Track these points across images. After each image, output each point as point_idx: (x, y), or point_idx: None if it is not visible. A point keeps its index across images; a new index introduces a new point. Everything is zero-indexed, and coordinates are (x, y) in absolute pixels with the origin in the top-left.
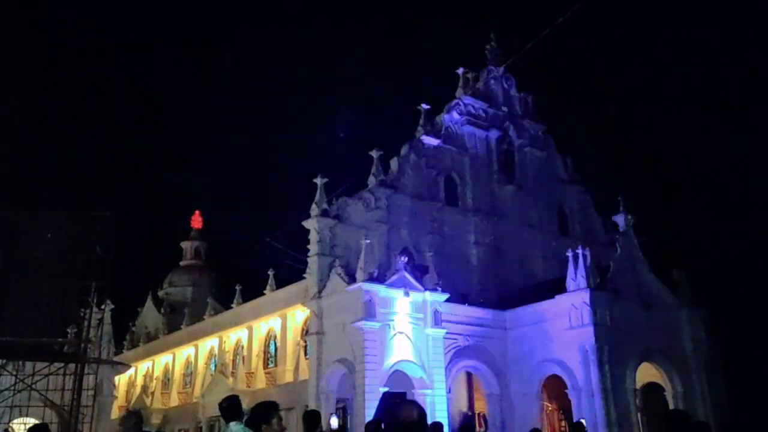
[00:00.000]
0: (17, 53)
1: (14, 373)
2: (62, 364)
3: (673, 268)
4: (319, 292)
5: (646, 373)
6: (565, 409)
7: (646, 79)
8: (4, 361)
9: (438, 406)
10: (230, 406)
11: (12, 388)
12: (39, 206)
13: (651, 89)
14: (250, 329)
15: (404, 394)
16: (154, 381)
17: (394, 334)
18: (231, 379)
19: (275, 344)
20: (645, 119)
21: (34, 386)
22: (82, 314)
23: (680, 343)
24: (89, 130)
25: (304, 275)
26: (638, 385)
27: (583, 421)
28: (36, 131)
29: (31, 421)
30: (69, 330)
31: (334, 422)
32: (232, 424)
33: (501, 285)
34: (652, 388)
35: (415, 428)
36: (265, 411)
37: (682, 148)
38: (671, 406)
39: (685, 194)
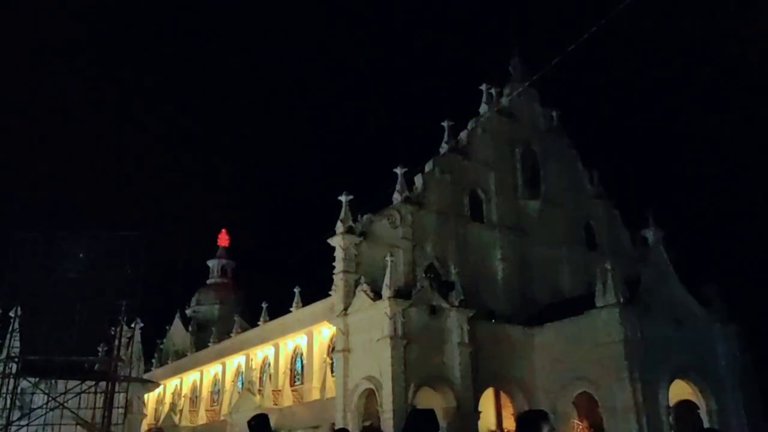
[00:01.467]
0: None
1: (47, 391)
2: (93, 383)
3: (704, 283)
4: (345, 309)
5: (680, 390)
6: (596, 427)
7: (674, 92)
8: (37, 379)
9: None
10: (258, 424)
11: (44, 406)
12: (70, 226)
13: (679, 102)
14: (277, 347)
15: (431, 411)
16: (182, 399)
17: (420, 351)
18: (258, 397)
19: (302, 361)
20: (674, 132)
21: (65, 404)
22: (112, 333)
23: (714, 359)
24: (118, 151)
25: (330, 292)
26: (671, 403)
27: None
28: (68, 152)
29: None
30: (100, 348)
31: None
32: None
33: (528, 301)
34: (686, 407)
35: None
36: None
37: (713, 161)
38: (705, 425)
39: (716, 208)
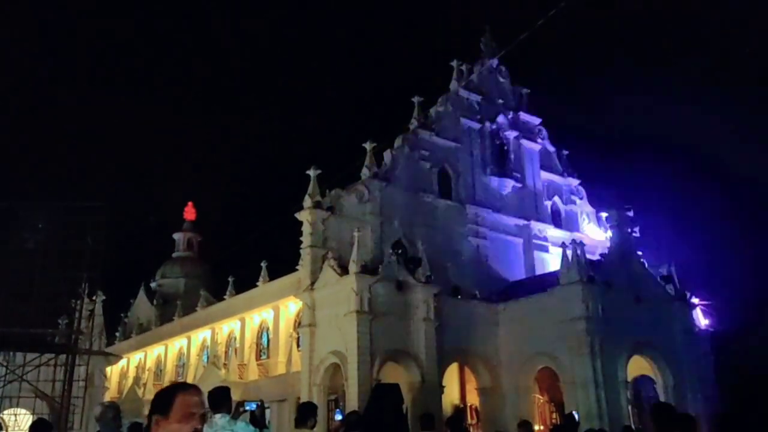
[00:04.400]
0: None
1: (5, 364)
2: (53, 355)
3: (664, 262)
4: (312, 284)
5: (638, 365)
6: (557, 401)
7: (645, 69)
8: None
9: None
10: (217, 397)
11: (2, 378)
12: (31, 196)
13: (649, 79)
14: (243, 321)
15: (397, 386)
16: (146, 372)
17: (386, 326)
18: (223, 371)
19: (268, 336)
20: (639, 111)
21: (24, 377)
22: (73, 305)
23: (671, 336)
24: (82, 120)
25: (297, 267)
26: (629, 378)
27: (574, 413)
28: (28, 121)
29: (22, 412)
30: (60, 321)
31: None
32: (218, 416)
33: (494, 278)
34: (643, 381)
35: (400, 419)
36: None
37: (673, 139)
38: (662, 399)
39: (679, 186)
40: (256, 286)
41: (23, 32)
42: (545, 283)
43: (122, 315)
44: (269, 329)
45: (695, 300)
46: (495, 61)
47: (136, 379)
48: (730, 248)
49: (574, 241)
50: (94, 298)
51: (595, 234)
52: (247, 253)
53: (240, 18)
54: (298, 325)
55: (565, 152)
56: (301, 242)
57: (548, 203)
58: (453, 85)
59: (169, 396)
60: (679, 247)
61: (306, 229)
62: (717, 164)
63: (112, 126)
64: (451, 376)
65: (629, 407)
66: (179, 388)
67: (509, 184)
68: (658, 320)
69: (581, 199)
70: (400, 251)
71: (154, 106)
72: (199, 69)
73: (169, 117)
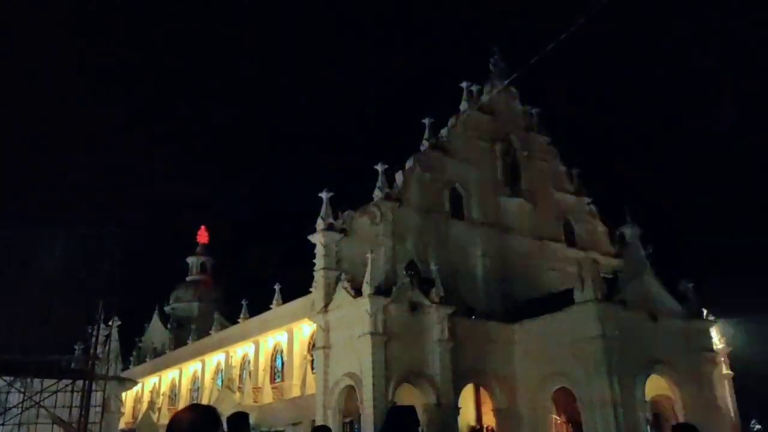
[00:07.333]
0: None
1: (22, 390)
2: (70, 381)
3: (680, 279)
4: (326, 306)
5: (656, 384)
6: (575, 422)
7: (653, 90)
8: (12, 378)
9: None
10: (236, 422)
11: (20, 405)
12: (47, 223)
13: (658, 100)
14: (257, 344)
15: (412, 408)
16: (161, 397)
17: (401, 348)
18: (238, 394)
19: (282, 359)
20: (653, 129)
21: (42, 403)
22: (89, 331)
23: (689, 354)
24: (98, 147)
25: (311, 289)
26: (648, 397)
27: None
28: (44, 149)
29: None
30: (76, 347)
31: None
32: None
33: (508, 297)
34: (662, 401)
35: None
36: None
37: (690, 158)
38: (680, 419)
39: (693, 204)
40: (269, 308)
41: (48, 60)
42: (560, 302)
43: (137, 339)
44: (283, 352)
45: (712, 317)
46: (504, 82)
47: (151, 404)
48: (750, 263)
49: (587, 259)
50: (110, 323)
51: (609, 252)
52: (261, 275)
53: (254, 41)
54: (312, 347)
55: (576, 170)
56: (314, 264)
57: (560, 222)
58: (463, 105)
59: None
60: (695, 263)
61: (319, 251)
62: (732, 175)
63: (125, 151)
64: (466, 398)
65: (648, 428)
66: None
67: (521, 204)
68: (675, 338)
69: (594, 217)
70: (413, 272)
71: (168, 131)
72: (213, 92)
73: (182, 141)
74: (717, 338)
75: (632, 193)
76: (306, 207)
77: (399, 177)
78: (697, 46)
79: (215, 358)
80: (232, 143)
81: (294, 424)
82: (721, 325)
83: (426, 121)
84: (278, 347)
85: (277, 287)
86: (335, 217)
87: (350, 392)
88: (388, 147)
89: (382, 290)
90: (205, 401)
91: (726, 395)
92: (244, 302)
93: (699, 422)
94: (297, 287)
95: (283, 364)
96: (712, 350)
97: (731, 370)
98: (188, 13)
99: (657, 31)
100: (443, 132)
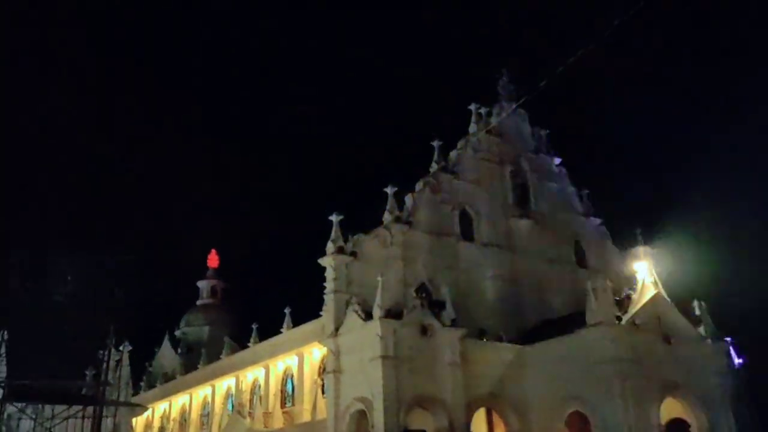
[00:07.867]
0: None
1: (33, 416)
2: (81, 407)
3: (693, 300)
4: (336, 329)
5: (671, 408)
6: None
7: (663, 111)
8: (24, 404)
9: None
10: None
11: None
12: (59, 249)
13: (669, 120)
14: (267, 368)
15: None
16: (171, 422)
17: (412, 371)
18: (248, 420)
19: (292, 383)
20: (663, 150)
21: (53, 429)
22: (100, 356)
23: (705, 376)
24: (107, 172)
25: (321, 313)
26: (663, 421)
27: None
28: (57, 173)
29: None
30: (87, 372)
31: None
32: None
33: (519, 319)
34: (678, 425)
35: None
36: None
37: (701, 179)
38: None
39: (706, 225)
40: (280, 332)
41: (51, 82)
42: (572, 324)
43: (147, 364)
44: (294, 376)
45: (728, 338)
46: (513, 104)
47: (161, 430)
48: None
49: (599, 280)
50: (120, 348)
51: (620, 273)
52: (271, 299)
53: (262, 61)
54: (322, 371)
55: (586, 191)
56: (324, 288)
57: (571, 243)
58: (472, 128)
59: None
60: (709, 282)
61: (329, 274)
62: (741, 195)
63: (137, 176)
64: (479, 422)
65: None
66: None
67: (531, 225)
68: (691, 360)
69: (604, 237)
70: (424, 294)
71: (180, 155)
72: (222, 116)
73: (192, 164)
74: (734, 358)
75: (643, 214)
76: (316, 230)
77: (409, 200)
78: (708, 57)
79: (225, 383)
80: (242, 166)
81: None
82: (738, 344)
83: (435, 143)
84: (288, 371)
85: (287, 311)
86: (345, 241)
87: (361, 417)
88: (398, 170)
89: (392, 313)
90: (215, 427)
91: (745, 418)
92: (254, 326)
93: None
94: (307, 311)
95: (293, 388)
96: (729, 371)
97: (749, 392)
98: (205, 47)
99: (667, 51)
100: (452, 154)
